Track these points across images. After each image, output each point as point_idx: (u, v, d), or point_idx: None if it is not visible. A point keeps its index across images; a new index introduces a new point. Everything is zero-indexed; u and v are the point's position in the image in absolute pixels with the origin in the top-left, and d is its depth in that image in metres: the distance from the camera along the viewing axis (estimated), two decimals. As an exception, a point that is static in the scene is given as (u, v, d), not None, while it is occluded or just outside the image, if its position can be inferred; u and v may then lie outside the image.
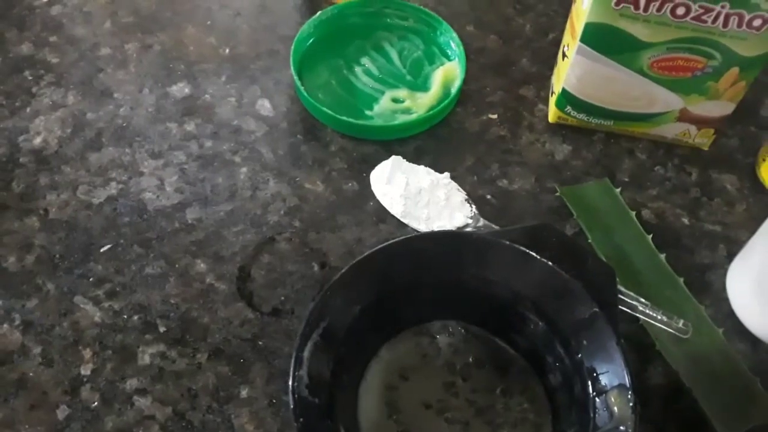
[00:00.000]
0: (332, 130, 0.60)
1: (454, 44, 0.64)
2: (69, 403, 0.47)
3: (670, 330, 0.49)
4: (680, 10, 0.49)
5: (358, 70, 0.64)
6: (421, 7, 0.66)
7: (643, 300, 0.50)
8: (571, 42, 0.55)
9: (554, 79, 0.61)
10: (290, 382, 0.40)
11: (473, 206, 0.56)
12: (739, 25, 0.49)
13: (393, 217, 0.55)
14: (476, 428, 0.46)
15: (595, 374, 0.43)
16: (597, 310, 0.43)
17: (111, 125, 0.60)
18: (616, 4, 0.50)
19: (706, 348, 0.50)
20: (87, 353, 0.49)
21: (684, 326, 0.49)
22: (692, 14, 0.50)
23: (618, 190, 0.57)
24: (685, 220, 0.57)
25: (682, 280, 0.53)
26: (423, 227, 0.55)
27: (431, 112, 0.59)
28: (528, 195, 0.58)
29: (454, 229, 0.54)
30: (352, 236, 0.55)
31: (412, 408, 0.46)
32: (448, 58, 0.65)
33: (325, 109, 0.59)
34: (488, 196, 0.57)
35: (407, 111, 0.61)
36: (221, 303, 0.51)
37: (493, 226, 0.55)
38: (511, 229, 0.48)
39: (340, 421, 0.43)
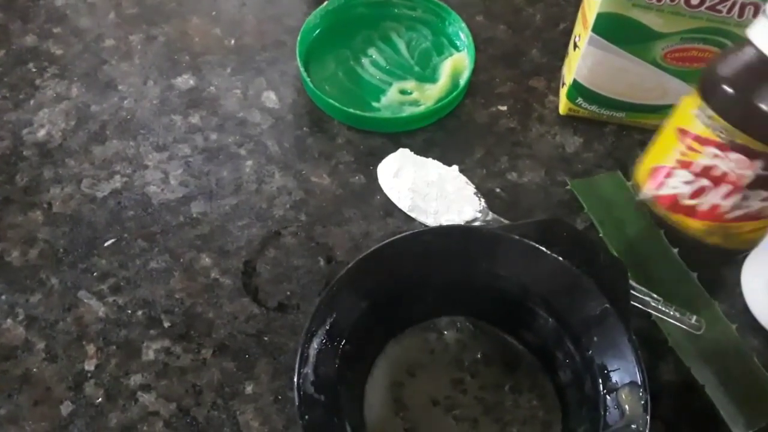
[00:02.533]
0: (339, 122, 0.59)
1: (462, 35, 0.63)
2: (73, 398, 0.47)
3: (683, 326, 0.48)
4: (695, 0, 0.48)
5: (365, 61, 0.63)
6: (429, -4, 0.65)
7: (655, 295, 0.49)
8: (583, 32, 0.54)
9: (565, 70, 0.60)
10: (295, 379, 0.40)
11: (482, 200, 0.55)
12: (755, 15, 0.48)
13: (400, 210, 0.55)
14: (485, 426, 0.45)
15: (606, 371, 0.42)
16: (608, 306, 0.42)
17: (115, 118, 0.59)
18: (629, -7, 0.49)
19: (719, 344, 0.49)
20: (91, 349, 0.49)
21: (697, 322, 0.48)
22: (707, 4, 0.48)
23: (630, 183, 0.56)
24: (698, 214, 0.56)
25: (695, 275, 0.52)
26: (431, 221, 0.54)
27: (439, 104, 0.59)
28: (538, 188, 0.57)
29: (462, 223, 0.54)
30: (359, 230, 0.54)
31: (419, 405, 0.46)
32: (457, 49, 0.64)
33: (331, 101, 0.58)
34: (497, 190, 0.56)
35: (415, 103, 0.60)
36: (226, 298, 0.51)
37: (503, 219, 0.54)
38: (521, 224, 0.48)
39: (346, 418, 0.42)
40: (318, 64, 0.62)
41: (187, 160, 0.57)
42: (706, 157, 0.27)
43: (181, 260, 0.52)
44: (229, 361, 0.48)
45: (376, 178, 0.56)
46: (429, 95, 0.60)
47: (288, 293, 0.51)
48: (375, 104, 0.60)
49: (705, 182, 0.27)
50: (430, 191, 0.55)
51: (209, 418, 0.46)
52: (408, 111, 0.59)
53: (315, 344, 0.42)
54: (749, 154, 0.26)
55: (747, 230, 0.28)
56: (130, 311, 0.50)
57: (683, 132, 0.28)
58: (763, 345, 0.50)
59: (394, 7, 0.66)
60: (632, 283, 0.48)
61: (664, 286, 0.51)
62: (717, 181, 0.27)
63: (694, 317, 0.48)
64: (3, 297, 0.50)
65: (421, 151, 0.57)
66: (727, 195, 0.27)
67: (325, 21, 0.64)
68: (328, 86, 0.61)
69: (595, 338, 0.43)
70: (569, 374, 0.45)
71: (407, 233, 0.45)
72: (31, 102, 0.60)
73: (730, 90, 0.26)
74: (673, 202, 0.29)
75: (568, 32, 0.60)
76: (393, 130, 0.59)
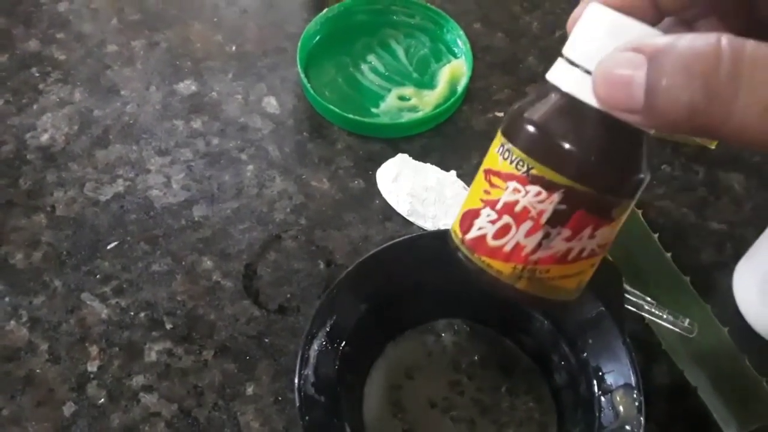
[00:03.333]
0: (339, 127, 0.60)
1: (460, 42, 0.64)
2: (75, 399, 0.47)
3: (676, 329, 0.49)
4: (688, 9, 0.49)
5: (364, 67, 0.64)
6: (428, 4, 0.66)
7: (648, 299, 0.50)
8: (578, 40, 0.55)
9: (561, 78, 0.61)
10: (296, 380, 0.41)
11: (479, 204, 0.56)
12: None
13: (399, 215, 0.55)
14: (481, 427, 0.46)
15: (600, 373, 0.43)
16: (603, 309, 0.43)
17: (118, 122, 0.60)
18: (624, 3, 0.50)
19: (711, 347, 0.50)
20: (93, 350, 0.49)
21: (689, 325, 0.49)
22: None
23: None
24: (692, 219, 0.57)
25: (688, 279, 0.52)
26: (429, 226, 0.55)
27: (438, 110, 0.59)
28: (534, 193, 0.57)
29: (460, 227, 0.54)
30: (358, 234, 0.55)
31: (417, 407, 0.47)
32: (455, 56, 0.64)
33: (331, 106, 0.59)
34: (494, 195, 0.57)
35: (413, 109, 0.61)
36: (227, 300, 0.51)
37: (499, 224, 0.55)
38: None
39: (345, 419, 0.43)
40: (318, 70, 0.63)
41: (189, 164, 0.58)
42: (507, 192, 0.29)
43: (183, 263, 0.53)
44: (230, 362, 0.49)
45: (375, 183, 0.57)
46: (427, 101, 0.61)
47: (288, 296, 0.52)
48: (374, 110, 0.61)
49: (508, 219, 0.29)
50: (428, 196, 0.55)
51: (210, 418, 0.47)
52: (407, 117, 0.60)
53: (315, 346, 0.42)
54: (546, 186, 0.28)
55: (555, 275, 0.29)
56: (132, 313, 0.51)
57: (488, 171, 0.30)
58: (754, 348, 0.51)
59: (393, 14, 0.67)
60: (626, 287, 0.49)
61: (658, 290, 0.51)
62: (518, 218, 0.28)
63: (687, 320, 0.49)
64: (7, 299, 0.51)
65: (420, 156, 0.58)
66: (529, 233, 0.29)
67: (325, 28, 0.65)
68: (328, 92, 0.62)
69: (590, 341, 0.43)
70: (565, 376, 0.46)
71: (406, 237, 0.46)
72: (35, 106, 0.61)
73: (530, 127, 0.28)
74: (485, 246, 0.30)
75: (565, 40, 0.61)
76: (392, 135, 0.60)
